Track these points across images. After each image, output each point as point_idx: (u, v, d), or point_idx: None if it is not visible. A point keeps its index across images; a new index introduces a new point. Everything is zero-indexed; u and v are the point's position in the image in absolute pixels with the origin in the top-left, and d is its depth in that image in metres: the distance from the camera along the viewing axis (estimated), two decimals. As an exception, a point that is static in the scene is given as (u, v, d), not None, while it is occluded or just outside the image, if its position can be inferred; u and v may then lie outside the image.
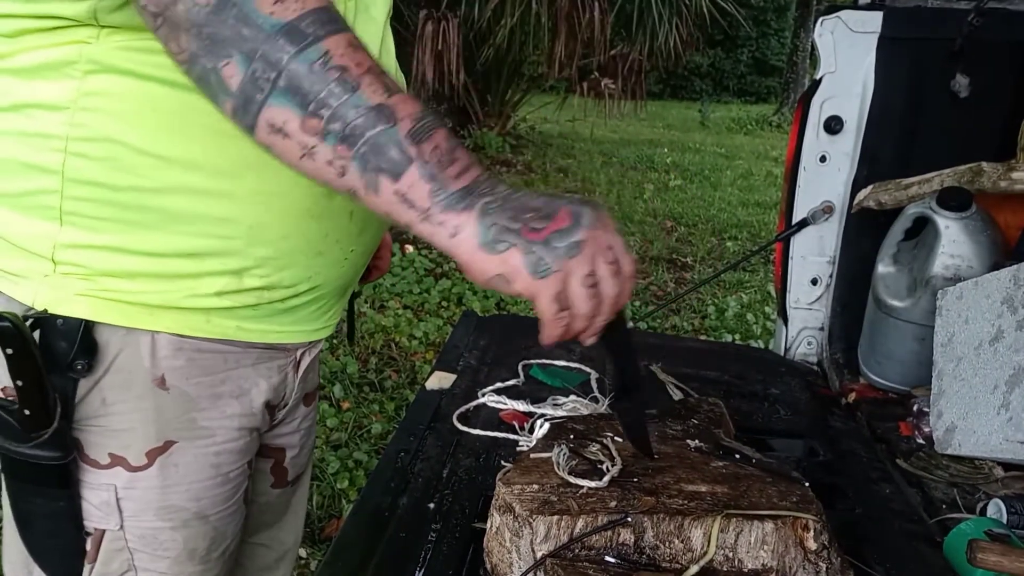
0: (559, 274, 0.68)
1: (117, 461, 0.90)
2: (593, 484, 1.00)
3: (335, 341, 3.46)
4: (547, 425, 1.30)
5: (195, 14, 0.64)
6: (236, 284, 0.88)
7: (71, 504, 0.91)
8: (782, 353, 2.08)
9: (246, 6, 0.64)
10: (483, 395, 1.54)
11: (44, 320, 0.82)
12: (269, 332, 0.96)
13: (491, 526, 1.00)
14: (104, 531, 0.93)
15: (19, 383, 0.81)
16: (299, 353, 1.05)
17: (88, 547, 0.93)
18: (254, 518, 1.18)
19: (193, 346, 0.90)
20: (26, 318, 0.81)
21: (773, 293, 4.21)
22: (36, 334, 0.82)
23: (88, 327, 0.84)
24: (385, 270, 1.33)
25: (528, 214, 0.68)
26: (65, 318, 0.83)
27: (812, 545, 0.94)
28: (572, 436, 1.15)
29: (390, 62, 1.00)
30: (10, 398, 0.84)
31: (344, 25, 0.68)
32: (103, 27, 0.76)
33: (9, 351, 0.80)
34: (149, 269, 0.84)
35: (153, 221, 0.83)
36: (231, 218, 0.85)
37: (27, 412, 0.83)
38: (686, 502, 0.98)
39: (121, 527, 0.93)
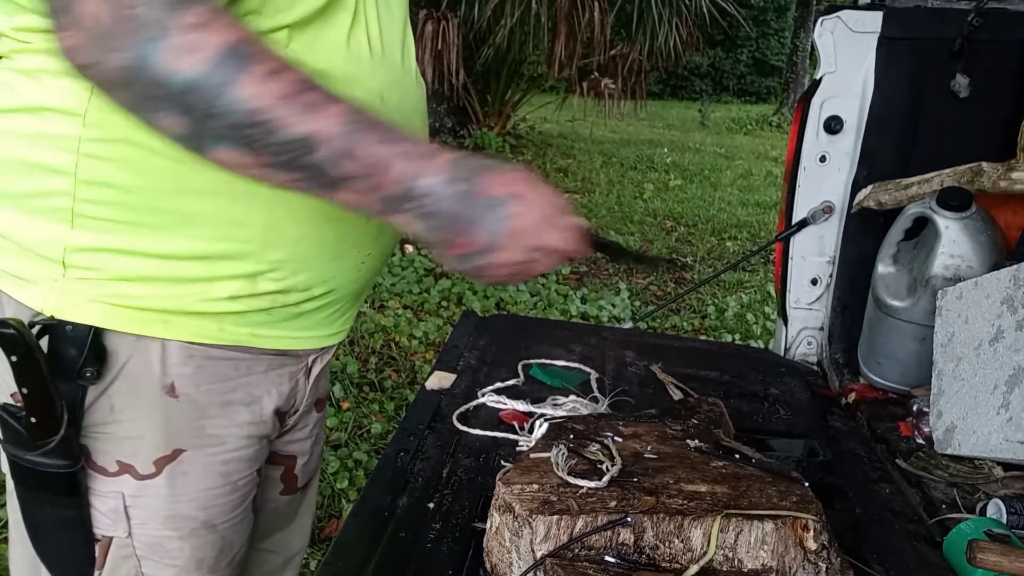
0: (480, 269, 0.79)
1: (125, 469, 0.90)
2: (593, 484, 1.00)
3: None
4: (547, 425, 1.30)
5: (110, 76, 0.66)
6: (250, 288, 0.87)
7: (79, 512, 0.90)
8: (782, 353, 2.08)
9: (155, 67, 0.64)
10: (483, 395, 1.54)
11: (53, 326, 0.82)
12: (283, 338, 0.94)
13: (491, 526, 1.00)
14: (112, 538, 0.92)
15: (24, 390, 0.80)
16: (311, 359, 1.03)
17: (96, 553, 0.93)
18: (263, 525, 1.17)
19: (204, 353, 0.89)
20: (34, 324, 0.80)
21: (773, 293, 4.21)
22: (45, 340, 0.81)
23: (97, 333, 0.83)
24: None
25: (450, 228, 0.76)
26: (74, 324, 0.82)
27: (812, 545, 0.94)
28: (572, 436, 1.15)
29: (411, 63, 0.99)
30: (18, 404, 0.83)
31: (253, 55, 0.67)
32: None
33: (13, 358, 0.79)
34: (161, 272, 0.83)
35: (166, 223, 0.82)
36: (245, 220, 0.84)
37: (33, 420, 0.82)
38: (686, 502, 0.98)
39: (129, 535, 0.92)
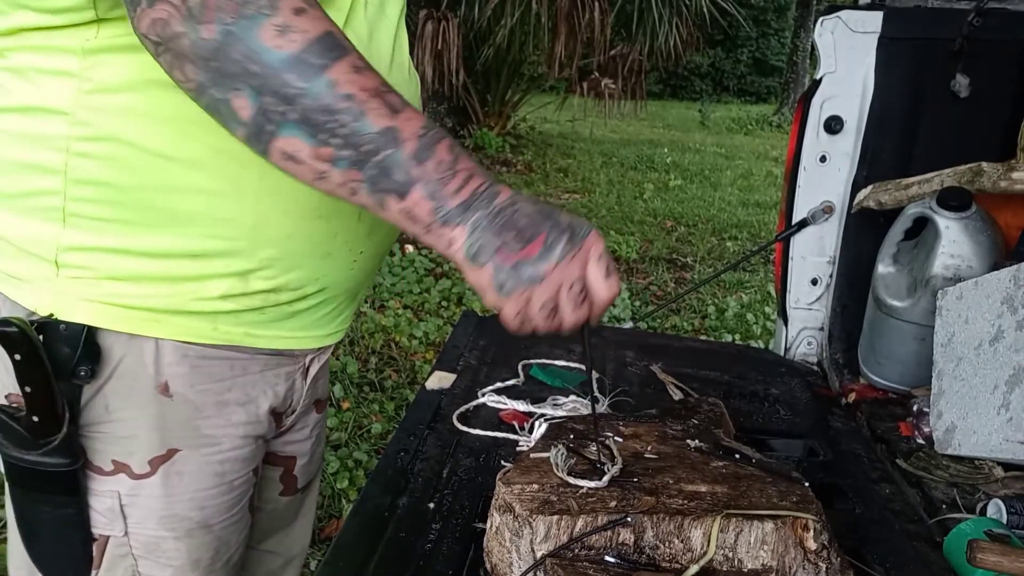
0: (519, 297, 0.74)
1: (120, 468, 0.90)
2: (593, 484, 1.00)
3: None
4: (547, 425, 1.30)
5: (200, 47, 0.64)
6: (242, 286, 0.87)
7: (79, 511, 0.90)
8: (782, 353, 2.08)
9: (251, 41, 0.64)
10: (483, 395, 1.54)
11: (47, 325, 0.82)
12: (278, 338, 0.94)
13: (491, 526, 1.00)
14: (109, 537, 0.92)
15: (27, 389, 0.81)
16: (308, 359, 1.03)
17: (94, 552, 0.92)
18: (263, 526, 1.17)
19: (198, 353, 0.89)
20: (30, 323, 0.80)
21: (773, 293, 4.21)
22: (39, 340, 0.81)
23: (91, 332, 0.83)
24: None
25: (510, 234, 0.73)
26: (68, 324, 0.82)
27: (812, 545, 0.94)
28: (572, 436, 1.15)
29: (403, 58, 0.99)
30: (15, 405, 0.83)
31: (347, 48, 0.68)
32: (102, 22, 0.75)
33: (17, 357, 0.79)
34: (153, 271, 0.83)
35: (157, 221, 0.82)
36: (235, 218, 0.84)
37: (35, 419, 0.82)
38: (686, 502, 0.98)
39: (126, 534, 0.92)
